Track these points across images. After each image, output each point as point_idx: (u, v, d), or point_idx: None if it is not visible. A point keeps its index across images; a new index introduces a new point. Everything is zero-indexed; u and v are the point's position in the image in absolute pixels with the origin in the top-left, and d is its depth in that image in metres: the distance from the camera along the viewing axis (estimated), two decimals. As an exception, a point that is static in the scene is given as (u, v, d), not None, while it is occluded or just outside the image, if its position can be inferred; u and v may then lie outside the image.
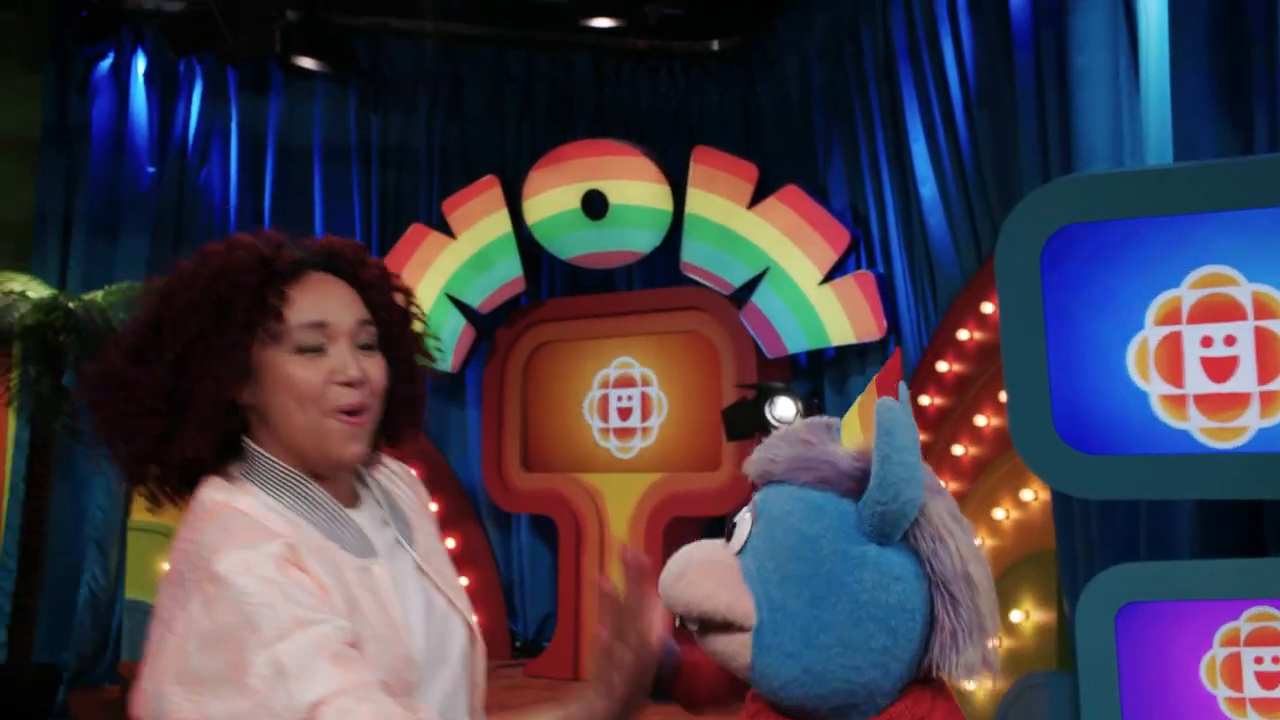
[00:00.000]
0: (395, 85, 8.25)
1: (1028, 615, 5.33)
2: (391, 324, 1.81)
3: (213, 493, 1.67)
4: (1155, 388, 2.84)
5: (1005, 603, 5.47)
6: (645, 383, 7.59)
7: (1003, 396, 3.07)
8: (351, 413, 1.70)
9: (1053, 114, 4.63)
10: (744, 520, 1.20)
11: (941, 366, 6.05)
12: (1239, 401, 2.79)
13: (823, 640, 1.14)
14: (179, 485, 1.72)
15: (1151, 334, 2.86)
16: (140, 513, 7.72)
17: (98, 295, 7.05)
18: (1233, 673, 2.76)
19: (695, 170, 7.36)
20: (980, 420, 5.78)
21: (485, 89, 8.34)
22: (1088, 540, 4.15)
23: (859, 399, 1.54)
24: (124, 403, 1.67)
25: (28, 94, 7.70)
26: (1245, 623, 2.78)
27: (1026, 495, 5.38)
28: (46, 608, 7.17)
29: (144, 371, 1.67)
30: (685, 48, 8.34)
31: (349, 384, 1.70)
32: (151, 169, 7.80)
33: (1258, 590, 2.76)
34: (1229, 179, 2.80)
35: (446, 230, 7.86)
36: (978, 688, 5.56)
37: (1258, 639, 2.78)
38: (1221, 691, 2.77)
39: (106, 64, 7.76)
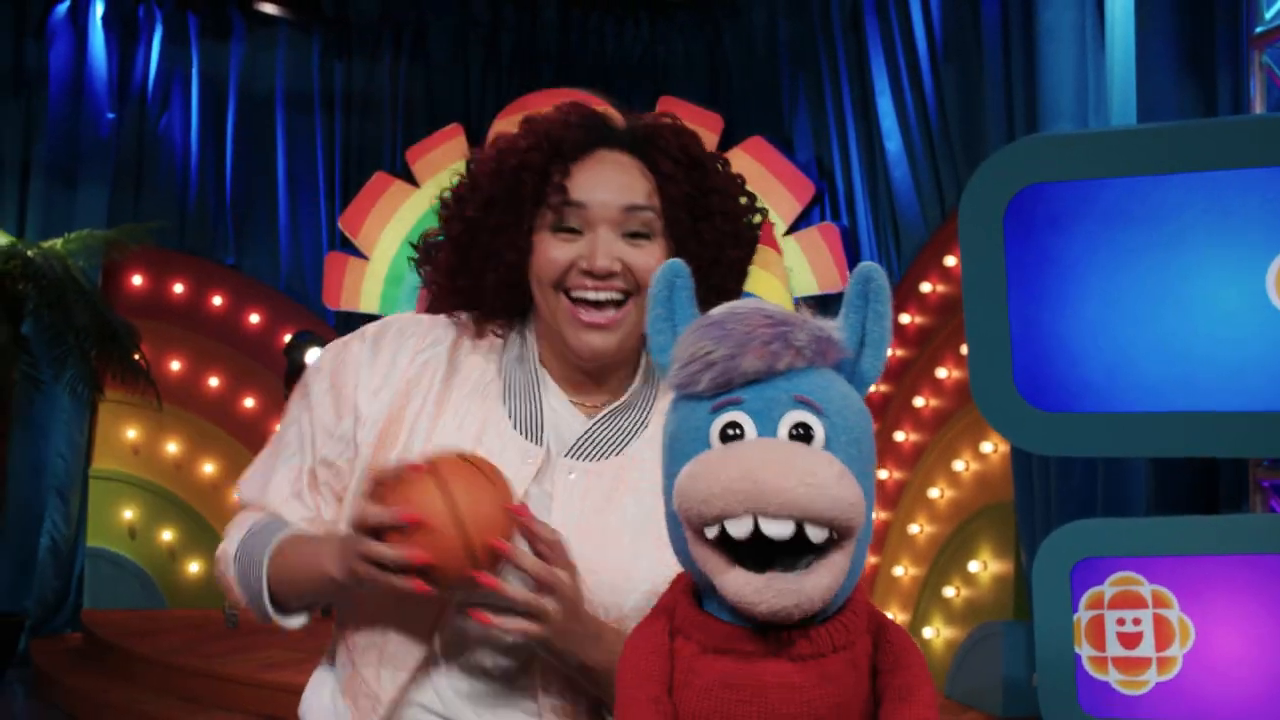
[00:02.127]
0: (359, 32, 8.17)
1: (985, 566, 5.40)
2: (688, 216, 1.66)
3: (440, 316, 1.74)
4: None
5: (964, 553, 5.55)
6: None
7: (964, 350, 3.10)
8: (595, 304, 1.61)
9: (1018, 69, 4.65)
10: (812, 421, 1.06)
11: (904, 319, 6.09)
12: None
13: (867, 513, 1.11)
14: None
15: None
16: (101, 461, 7.70)
17: (57, 243, 6.98)
18: (1100, 631, 2.83)
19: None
20: (941, 373, 5.83)
21: (450, 37, 8.27)
22: (1045, 495, 4.22)
23: (755, 261, 1.67)
24: (429, 272, 1.73)
25: (-16, 38, 7.58)
26: (1109, 587, 2.86)
27: (986, 448, 5.44)
28: (7, 556, 7.15)
29: (446, 241, 1.71)
30: (651, -4, 8.29)
31: (591, 273, 1.61)
32: (111, 115, 7.70)
33: (1211, 546, 2.82)
34: (1192, 141, 2.82)
35: (410, 179, 7.81)
36: (935, 635, 5.65)
37: (1121, 602, 2.86)
38: (1113, 650, 2.83)
39: (64, 8, 7.63)
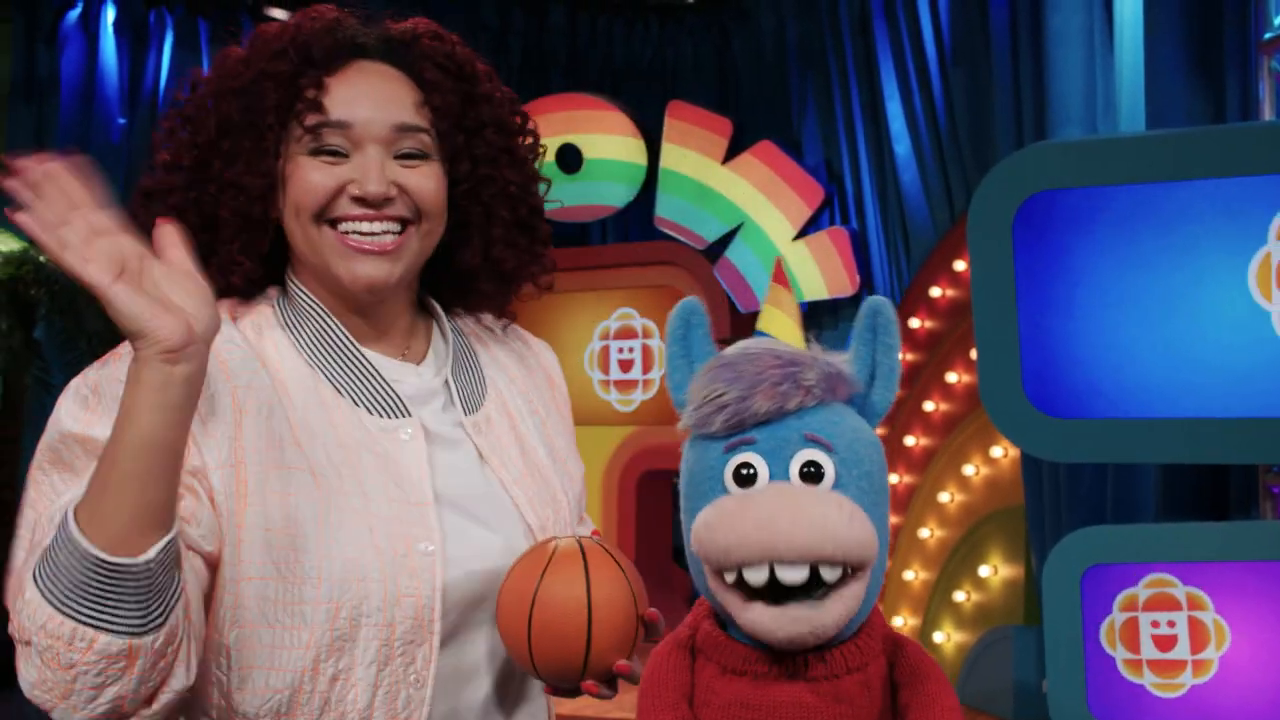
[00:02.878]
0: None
1: (995, 570, 5.40)
2: (458, 129, 1.48)
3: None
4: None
5: (974, 557, 5.55)
6: (608, 336, 7.62)
7: (974, 354, 3.11)
8: (369, 234, 1.41)
9: (1027, 74, 4.65)
10: (822, 457, 1.12)
11: (914, 323, 6.09)
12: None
13: (882, 541, 1.14)
14: None
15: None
16: (113, 466, 7.72)
17: (69, 248, 7.01)
18: (1131, 637, 2.83)
19: (670, 125, 7.35)
20: (951, 377, 5.83)
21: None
22: (1055, 500, 4.22)
23: (768, 300, 1.60)
24: (152, 215, 1.40)
25: (-4, 45, 7.62)
26: (1143, 589, 2.85)
27: (996, 452, 5.44)
28: (20, 560, 7.17)
29: (171, 176, 1.47)
30: (659, 0, 8.30)
31: (363, 199, 1.41)
32: (122, 121, 7.73)
33: (1221, 552, 2.82)
34: (1201, 147, 2.83)
35: (420, 183, 7.82)
36: (945, 640, 5.65)
37: (1156, 604, 2.85)
38: (1135, 654, 2.83)
39: (75, 14, 7.67)
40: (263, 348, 1.45)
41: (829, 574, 1.07)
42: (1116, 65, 4.00)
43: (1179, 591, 2.81)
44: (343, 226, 1.41)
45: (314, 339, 1.45)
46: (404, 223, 1.44)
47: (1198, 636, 2.82)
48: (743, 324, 7.22)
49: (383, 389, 1.44)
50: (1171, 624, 2.81)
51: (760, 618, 1.08)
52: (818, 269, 6.92)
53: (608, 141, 7.47)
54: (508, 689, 1.46)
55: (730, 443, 1.14)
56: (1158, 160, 2.84)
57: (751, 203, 7.11)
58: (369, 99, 1.44)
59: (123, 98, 7.76)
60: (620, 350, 7.54)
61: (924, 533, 5.90)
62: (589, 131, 7.47)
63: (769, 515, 1.06)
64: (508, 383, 1.59)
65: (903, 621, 5.97)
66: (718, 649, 1.17)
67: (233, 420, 1.38)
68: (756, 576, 1.07)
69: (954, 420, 5.83)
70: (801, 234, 7.00)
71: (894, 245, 6.50)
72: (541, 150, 1.61)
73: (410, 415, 1.44)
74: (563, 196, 7.82)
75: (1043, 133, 4.33)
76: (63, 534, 1.23)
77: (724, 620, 1.18)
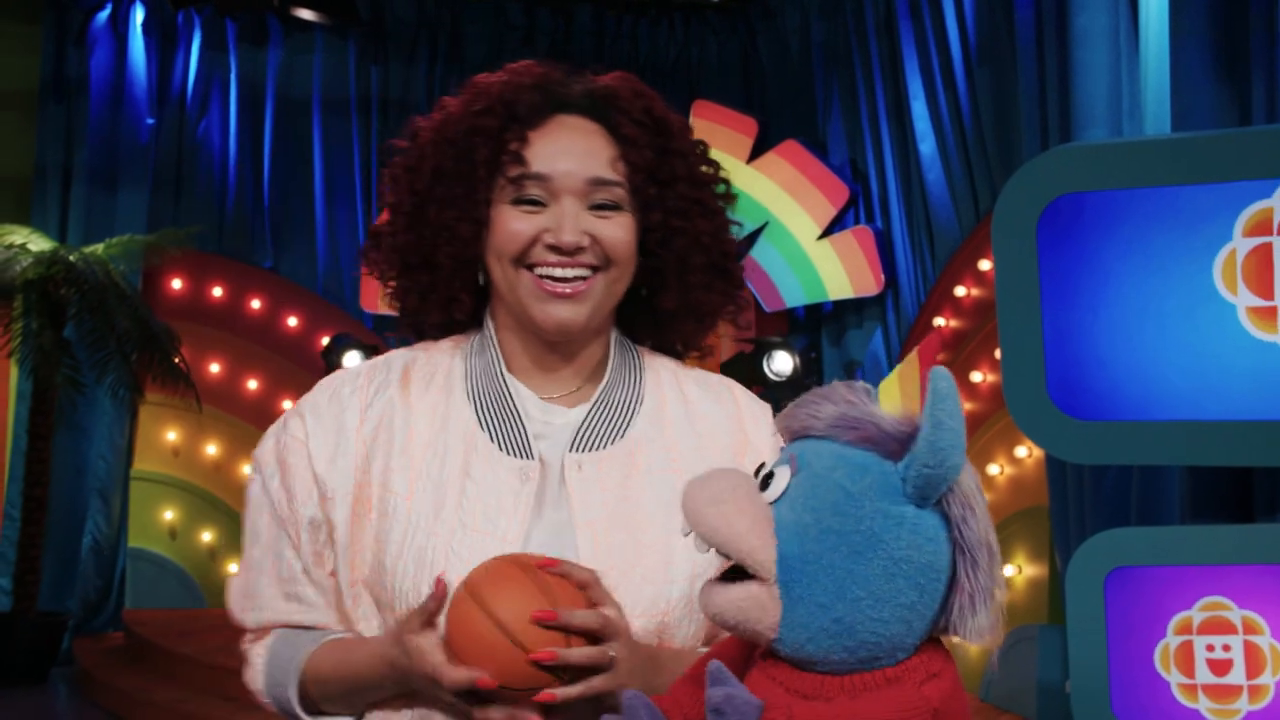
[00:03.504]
0: (395, 37, 8.23)
1: (1020, 570, 5.41)
2: (652, 182, 1.56)
3: (376, 359, 1.62)
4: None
5: (999, 557, 5.55)
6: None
7: (999, 354, 3.11)
8: (562, 280, 1.50)
9: (1052, 74, 4.64)
10: (783, 472, 1.19)
11: (938, 322, 6.09)
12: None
13: (855, 593, 1.18)
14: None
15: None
16: (142, 462, 7.79)
17: (98, 248, 7.09)
18: (1189, 658, 2.83)
19: (695, 124, 7.32)
20: (976, 376, 5.83)
21: (485, 41, 8.32)
22: (1080, 501, 4.22)
23: (898, 367, 1.58)
24: (379, 258, 1.60)
25: (27, 46, 7.69)
26: (1197, 612, 2.84)
27: (1021, 452, 5.44)
28: (51, 556, 7.26)
29: (395, 219, 1.58)
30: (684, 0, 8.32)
31: (557, 247, 1.50)
32: (150, 121, 7.80)
33: (1247, 555, 2.82)
34: (1226, 150, 2.83)
35: (446, 183, 7.86)
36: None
37: (1211, 628, 2.85)
38: (1202, 678, 2.83)
39: (104, 15, 7.74)
40: (431, 378, 1.58)
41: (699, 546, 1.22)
42: (1142, 66, 3.99)
43: (1234, 615, 2.80)
44: (538, 270, 1.51)
45: (481, 374, 1.57)
46: (593, 269, 1.52)
47: (1254, 661, 2.80)
48: (768, 323, 7.23)
49: (518, 428, 1.53)
50: (1227, 648, 2.80)
51: None
52: (842, 268, 6.93)
53: (633, 141, 7.48)
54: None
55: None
56: (1183, 163, 2.84)
57: (776, 202, 7.12)
58: (568, 154, 1.53)
59: (151, 98, 7.83)
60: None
61: (949, 532, 5.90)
62: (614, 131, 7.48)
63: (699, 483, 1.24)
64: (658, 433, 1.59)
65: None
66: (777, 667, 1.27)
67: (354, 456, 1.54)
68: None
69: (978, 420, 5.82)
70: (826, 233, 7.01)
71: (919, 244, 6.50)
72: (733, 198, 1.68)
73: (532, 457, 1.52)
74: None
75: (1067, 134, 4.32)
76: (287, 690, 1.54)
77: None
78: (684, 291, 1.60)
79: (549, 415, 1.56)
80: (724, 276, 1.64)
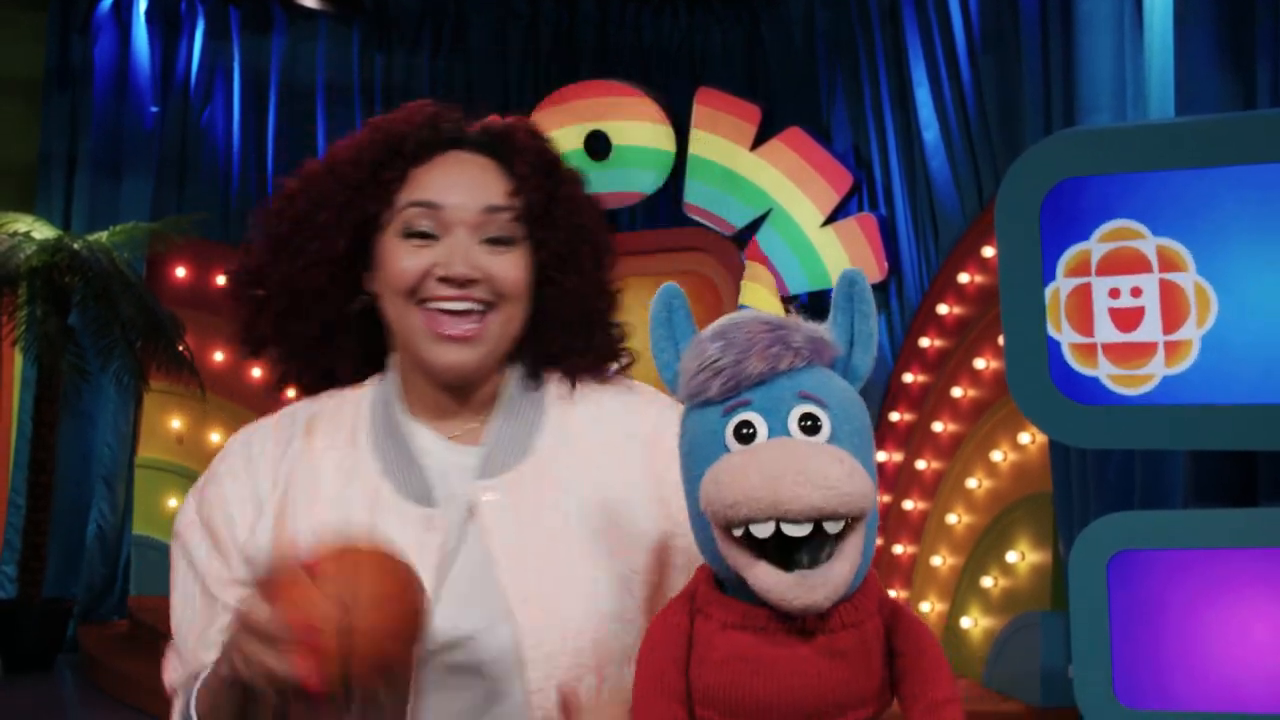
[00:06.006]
0: (399, 24, 8.22)
1: (1023, 556, 5.41)
2: (546, 219, 1.51)
3: (283, 410, 1.55)
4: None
5: (1002, 543, 5.55)
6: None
7: (1002, 340, 3.12)
8: (454, 314, 1.45)
9: (1056, 60, 4.64)
10: (818, 413, 1.15)
11: (942, 309, 6.09)
12: None
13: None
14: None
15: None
16: (147, 450, 7.81)
17: (102, 236, 7.10)
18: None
19: (698, 111, 7.36)
20: (980, 363, 5.83)
21: (489, 29, 8.31)
22: (1083, 486, 4.22)
23: (746, 276, 1.56)
24: (250, 296, 1.52)
25: (31, 35, 7.69)
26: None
27: (1024, 438, 5.45)
28: (56, 544, 7.28)
29: (264, 253, 1.52)
30: (688, -14, 8.31)
31: (449, 279, 1.45)
32: (154, 109, 7.80)
33: (1250, 539, 2.82)
34: (1231, 134, 2.82)
35: (450, 170, 7.87)
36: (973, 625, 5.66)
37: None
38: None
39: (108, 3, 7.74)
40: (336, 428, 1.52)
41: (832, 527, 1.11)
42: (1146, 51, 3.99)
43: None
44: (430, 305, 1.46)
45: (383, 421, 1.52)
46: (486, 304, 1.47)
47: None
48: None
49: (417, 476, 1.48)
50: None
51: (775, 585, 1.12)
52: (846, 255, 6.93)
53: (636, 128, 7.49)
54: None
55: (728, 405, 1.17)
56: (1187, 147, 2.84)
57: (780, 189, 7.12)
58: (460, 185, 1.49)
59: (155, 86, 7.83)
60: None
61: (952, 518, 5.91)
62: (618, 118, 7.49)
63: (775, 472, 1.10)
64: (564, 443, 1.53)
65: (930, 606, 5.99)
66: (716, 606, 1.20)
67: (270, 520, 1.47)
68: (763, 531, 1.10)
69: (982, 406, 5.83)
70: (830, 220, 7.01)
71: (923, 231, 6.50)
72: (613, 264, 1.61)
73: (435, 506, 1.46)
74: (591, 184, 7.82)
75: (1072, 120, 4.32)
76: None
77: (721, 580, 1.21)
78: (572, 311, 1.54)
79: (453, 455, 1.51)
80: (604, 329, 1.58)
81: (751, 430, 1.15)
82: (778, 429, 1.16)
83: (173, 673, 1.53)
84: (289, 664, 1.19)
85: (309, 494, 1.47)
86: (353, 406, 1.54)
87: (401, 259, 1.46)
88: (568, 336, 1.55)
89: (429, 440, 1.51)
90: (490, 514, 1.45)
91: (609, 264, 1.59)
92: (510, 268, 1.48)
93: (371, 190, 1.48)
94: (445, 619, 1.39)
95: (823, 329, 1.21)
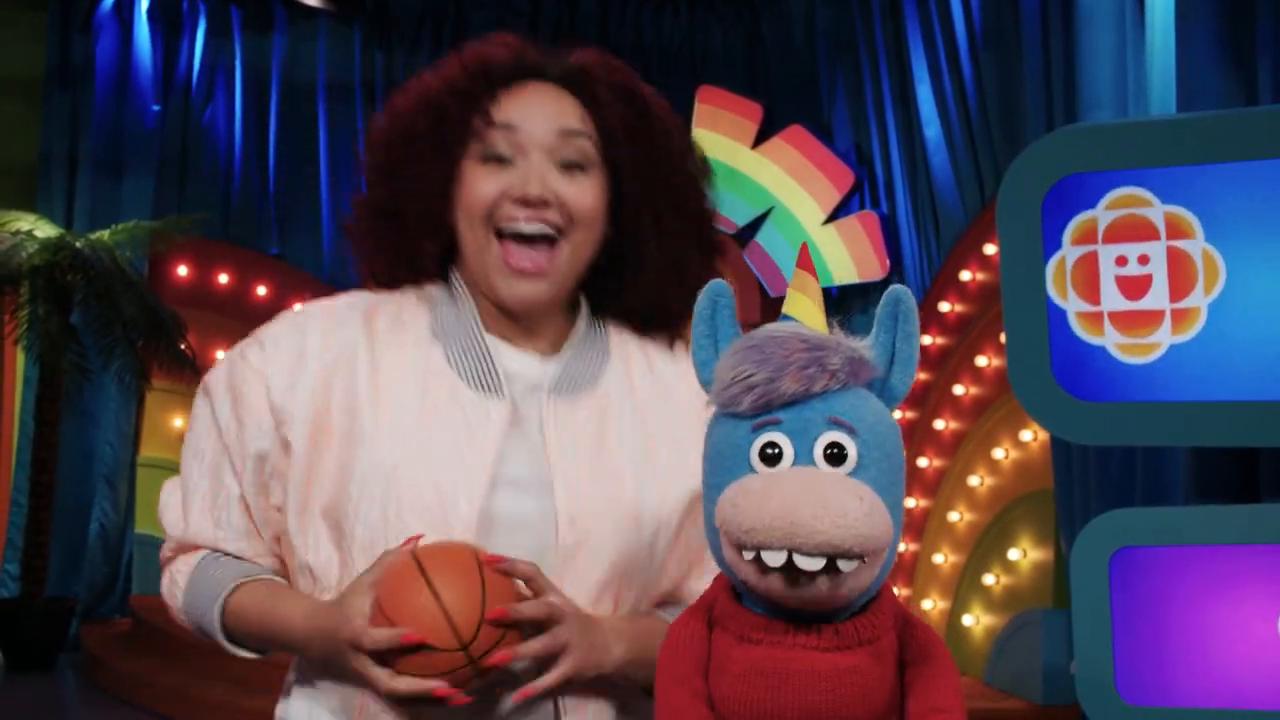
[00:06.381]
0: (400, 23, 8.22)
1: (1025, 553, 5.41)
2: (625, 144, 1.54)
3: (339, 297, 1.61)
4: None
5: (1003, 541, 5.55)
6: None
7: (1004, 338, 3.11)
8: (526, 239, 1.49)
9: (1057, 57, 4.63)
10: (845, 441, 1.14)
11: (944, 306, 6.09)
12: None
13: (896, 521, 1.19)
14: None
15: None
16: (149, 449, 7.81)
17: (104, 234, 7.09)
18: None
19: (699, 109, 7.36)
20: (981, 360, 5.83)
21: (490, 27, 8.15)
22: (1085, 483, 4.22)
23: (793, 285, 1.54)
24: (353, 224, 1.61)
25: (32, 34, 7.69)
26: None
27: (1026, 436, 5.44)
28: (58, 543, 7.28)
29: (366, 183, 1.60)
30: (689, -16, 8.30)
31: (524, 201, 1.48)
32: (156, 108, 7.80)
33: (1252, 535, 2.82)
34: (1232, 130, 2.82)
35: (451, 169, 7.87)
36: (975, 623, 5.65)
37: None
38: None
39: (109, 2, 7.74)
40: (397, 318, 1.56)
41: (845, 565, 1.11)
42: (1147, 47, 3.99)
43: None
44: (505, 227, 1.49)
45: (450, 319, 1.55)
46: (557, 229, 1.50)
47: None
48: (773, 308, 7.22)
49: (487, 366, 1.51)
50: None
51: (774, 586, 1.14)
52: (847, 253, 6.93)
53: (637, 126, 7.48)
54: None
55: (757, 422, 1.17)
56: (1189, 143, 2.83)
57: (781, 187, 7.11)
58: (537, 110, 1.52)
59: (156, 84, 7.82)
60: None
61: (954, 516, 5.91)
62: (619, 116, 7.48)
63: (792, 504, 1.10)
64: (627, 391, 1.58)
65: (932, 604, 5.98)
66: (734, 619, 1.20)
67: (314, 381, 1.51)
68: (775, 559, 1.11)
69: (984, 404, 5.82)
70: (831, 218, 7.00)
71: (924, 229, 6.50)
72: (710, 171, 1.66)
73: (504, 395, 1.50)
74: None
75: (1073, 117, 4.32)
76: (205, 614, 1.56)
77: (740, 593, 1.22)
78: (662, 253, 1.57)
79: (520, 363, 1.55)
80: (701, 240, 1.62)
81: (777, 451, 1.15)
82: (804, 454, 1.15)
83: (178, 525, 1.64)
84: (419, 685, 1.31)
85: (368, 369, 1.50)
86: (413, 303, 1.58)
87: (479, 182, 1.50)
88: (653, 290, 1.58)
89: (498, 344, 1.55)
90: (555, 427, 1.49)
91: (700, 179, 1.61)
92: (583, 192, 1.51)
93: (458, 114, 1.52)
94: (500, 503, 1.45)
95: (863, 347, 1.20)
